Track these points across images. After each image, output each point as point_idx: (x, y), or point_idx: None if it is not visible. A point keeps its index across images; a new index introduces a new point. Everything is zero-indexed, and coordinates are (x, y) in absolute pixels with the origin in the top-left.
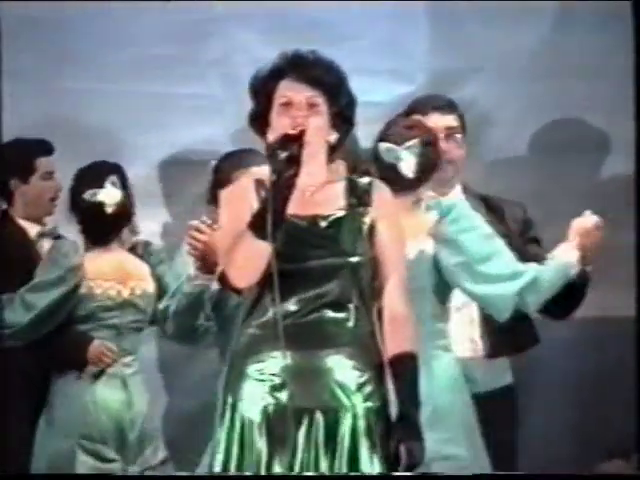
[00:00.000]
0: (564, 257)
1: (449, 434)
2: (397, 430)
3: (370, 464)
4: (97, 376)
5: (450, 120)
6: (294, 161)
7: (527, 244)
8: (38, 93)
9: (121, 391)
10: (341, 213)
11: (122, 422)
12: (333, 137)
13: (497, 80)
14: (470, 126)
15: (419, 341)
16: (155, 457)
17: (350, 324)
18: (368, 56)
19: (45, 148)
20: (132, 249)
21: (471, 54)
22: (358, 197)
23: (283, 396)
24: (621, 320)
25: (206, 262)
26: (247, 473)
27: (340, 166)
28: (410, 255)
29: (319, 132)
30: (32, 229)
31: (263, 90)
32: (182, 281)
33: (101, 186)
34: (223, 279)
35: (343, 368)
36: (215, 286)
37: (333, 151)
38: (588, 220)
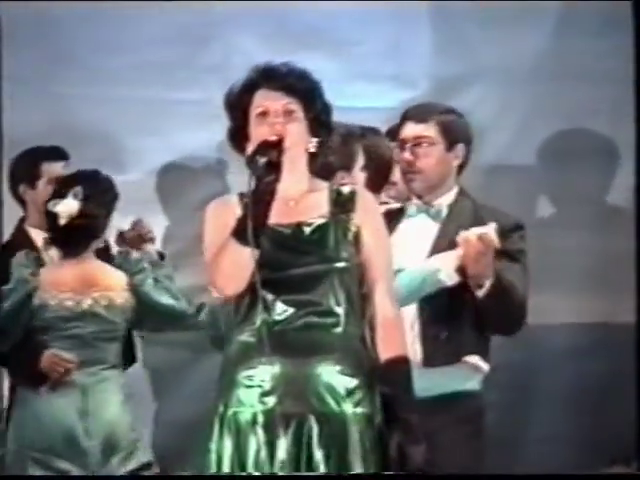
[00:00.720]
0: (434, 263)
1: None
2: (395, 434)
3: (362, 469)
4: (54, 386)
5: (420, 129)
6: (274, 167)
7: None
8: (36, 98)
9: (78, 401)
10: (325, 220)
11: (75, 432)
12: (312, 144)
13: (500, 85)
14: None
15: None
16: (125, 465)
17: (338, 330)
18: (370, 61)
19: (52, 154)
20: (111, 259)
21: (474, 59)
22: (341, 204)
23: (271, 403)
24: (621, 326)
25: None
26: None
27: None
28: None
29: (298, 138)
30: (40, 237)
31: (239, 104)
32: None
33: (63, 196)
34: None
35: (332, 374)
36: None
37: (314, 158)
38: (473, 231)
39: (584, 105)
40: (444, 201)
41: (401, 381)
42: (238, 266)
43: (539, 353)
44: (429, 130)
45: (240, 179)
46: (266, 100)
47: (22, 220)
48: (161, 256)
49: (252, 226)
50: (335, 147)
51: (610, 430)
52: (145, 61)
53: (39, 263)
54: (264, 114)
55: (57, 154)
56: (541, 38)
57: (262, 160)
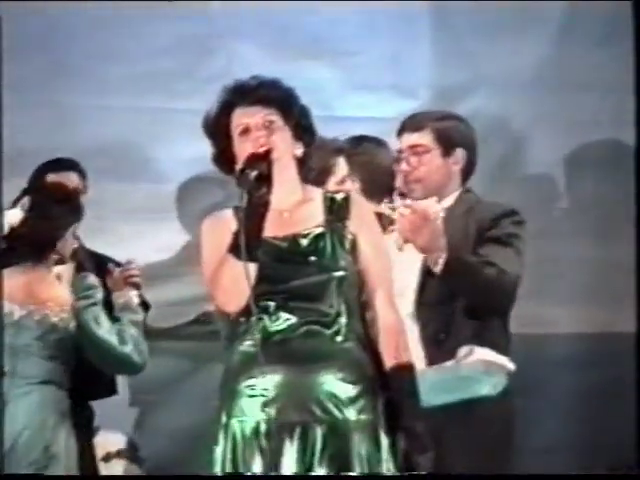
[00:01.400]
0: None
1: None
2: (402, 443)
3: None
4: None
5: (415, 138)
6: (264, 179)
7: (484, 243)
8: (39, 107)
9: None
10: (320, 229)
11: None
12: (299, 150)
13: (500, 94)
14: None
15: None
16: None
17: (339, 338)
18: (370, 71)
19: (57, 165)
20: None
21: (474, 68)
22: (335, 212)
23: (273, 412)
24: (621, 336)
25: None
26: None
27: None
28: None
29: (284, 147)
30: None
31: (218, 127)
32: None
33: (15, 206)
34: None
35: (334, 382)
36: None
37: (303, 165)
38: (407, 203)
39: (585, 114)
40: (444, 204)
41: (406, 388)
42: (237, 282)
43: (540, 362)
44: (424, 138)
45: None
46: (245, 117)
47: None
48: (144, 304)
49: (246, 240)
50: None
51: (610, 439)
52: (148, 71)
53: None
54: (246, 131)
55: (62, 165)
56: (542, 47)
57: (252, 174)
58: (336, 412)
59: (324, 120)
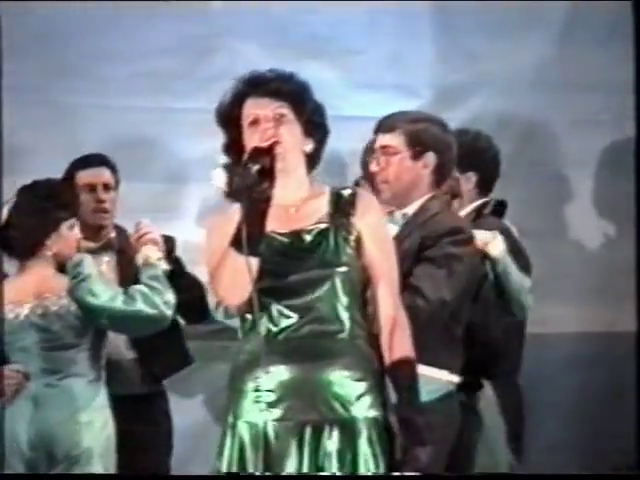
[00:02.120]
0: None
1: None
2: (401, 437)
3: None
4: (9, 400)
5: (387, 139)
6: (267, 173)
7: (419, 262)
8: (40, 107)
9: (28, 411)
10: (324, 225)
11: (20, 443)
12: (309, 146)
13: (503, 94)
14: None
15: None
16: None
17: (344, 335)
18: (373, 71)
19: (86, 162)
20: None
21: (476, 68)
22: (342, 208)
23: (280, 411)
24: (623, 335)
25: None
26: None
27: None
28: None
29: (292, 141)
30: (86, 245)
31: (230, 117)
32: None
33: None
34: None
35: (341, 379)
36: None
37: (312, 161)
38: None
39: (588, 113)
40: (411, 209)
41: (406, 382)
42: (238, 275)
43: (541, 362)
44: (394, 139)
45: None
46: (255, 108)
47: None
48: (169, 253)
49: (247, 234)
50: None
51: (612, 439)
52: (149, 70)
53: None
54: (255, 122)
55: (92, 161)
56: (544, 47)
57: (255, 168)
58: (343, 410)
59: None
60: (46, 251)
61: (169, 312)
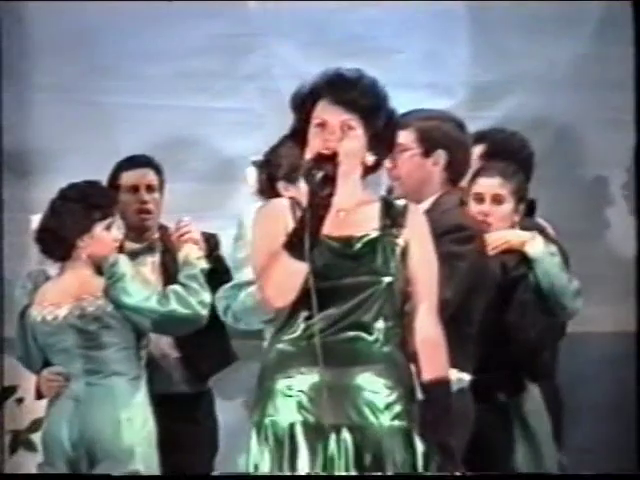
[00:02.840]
0: None
1: None
2: (435, 458)
3: None
4: (51, 401)
5: (401, 136)
6: (329, 181)
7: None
8: (78, 107)
9: (70, 411)
10: (375, 234)
11: (63, 442)
12: (370, 159)
13: (538, 92)
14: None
15: None
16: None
17: (379, 343)
18: (408, 70)
19: (131, 163)
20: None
21: (511, 67)
22: (393, 218)
23: (311, 413)
24: (621, 335)
25: None
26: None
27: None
28: None
29: (351, 155)
30: (130, 246)
31: (301, 109)
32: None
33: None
34: None
35: (372, 386)
36: None
37: (371, 171)
38: None
39: (621, 113)
40: (423, 206)
41: (441, 402)
42: (289, 280)
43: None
44: (406, 137)
45: None
46: (325, 113)
47: None
48: (210, 252)
49: (309, 241)
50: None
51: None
52: (186, 70)
53: (40, 279)
54: (322, 126)
55: (136, 162)
56: (579, 45)
57: (319, 175)
58: (372, 417)
59: None
60: (81, 253)
61: (204, 312)
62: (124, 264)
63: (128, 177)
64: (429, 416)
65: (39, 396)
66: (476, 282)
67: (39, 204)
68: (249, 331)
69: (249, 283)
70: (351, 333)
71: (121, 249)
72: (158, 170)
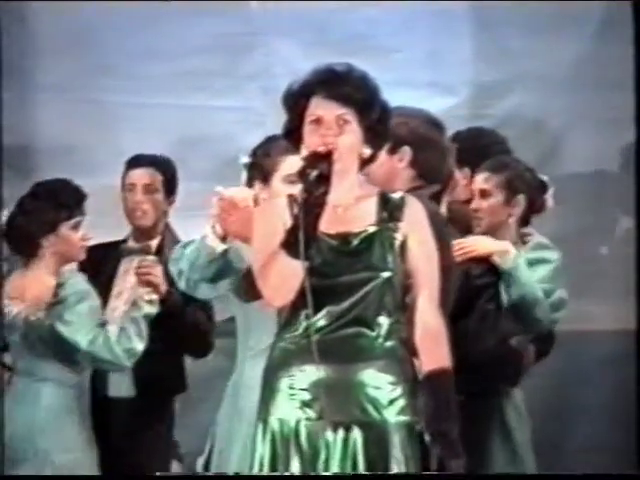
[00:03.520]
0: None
1: None
2: (435, 448)
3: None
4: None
5: None
6: (324, 179)
7: None
8: (79, 106)
9: (7, 410)
10: (372, 229)
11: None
12: (366, 152)
13: (539, 91)
14: (512, 137)
15: None
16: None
17: (381, 338)
18: (410, 68)
19: (135, 161)
20: None
21: (513, 66)
22: (390, 212)
23: (313, 410)
24: (621, 333)
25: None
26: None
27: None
28: None
29: (350, 150)
30: (131, 245)
31: (294, 106)
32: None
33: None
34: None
35: (375, 382)
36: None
37: (366, 164)
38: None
39: (624, 112)
40: None
41: (442, 393)
42: (287, 278)
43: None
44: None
45: None
46: (320, 109)
47: None
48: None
49: (304, 240)
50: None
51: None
52: (187, 69)
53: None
54: (317, 122)
55: (137, 161)
56: (581, 45)
57: (313, 173)
58: (375, 413)
59: None
60: (45, 252)
61: (127, 362)
62: (72, 285)
63: (129, 176)
64: (430, 407)
65: None
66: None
67: None
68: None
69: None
70: (353, 329)
71: (112, 246)
72: (164, 170)
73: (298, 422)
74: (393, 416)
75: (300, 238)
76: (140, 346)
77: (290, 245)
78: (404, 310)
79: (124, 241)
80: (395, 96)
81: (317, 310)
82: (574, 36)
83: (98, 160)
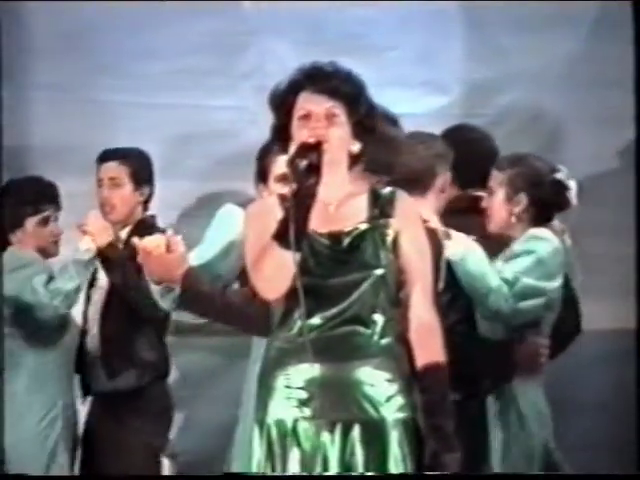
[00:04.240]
0: None
1: None
2: (431, 442)
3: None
4: None
5: None
6: (314, 169)
7: None
8: (74, 105)
9: None
10: (364, 226)
11: None
12: (355, 147)
13: (532, 91)
14: (505, 136)
15: None
16: None
17: (377, 336)
18: (402, 67)
19: (102, 156)
20: None
21: (506, 65)
22: (381, 208)
23: (310, 409)
24: (621, 332)
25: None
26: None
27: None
28: None
29: (340, 142)
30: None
31: (282, 104)
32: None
33: None
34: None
35: (371, 379)
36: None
37: (356, 161)
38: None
39: (616, 110)
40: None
41: (437, 387)
42: (280, 270)
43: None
44: None
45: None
46: (309, 103)
47: None
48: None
49: (294, 230)
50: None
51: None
52: (181, 68)
53: None
54: (306, 117)
55: (103, 156)
56: (574, 43)
57: (303, 163)
58: (373, 411)
59: None
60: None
61: (52, 302)
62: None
63: (98, 171)
64: (425, 402)
65: None
66: None
67: None
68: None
69: None
70: (348, 328)
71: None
72: (131, 162)
73: (295, 421)
74: (390, 413)
75: (291, 228)
76: (68, 285)
77: (282, 237)
78: (398, 306)
79: None
80: (388, 95)
81: (312, 309)
82: (569, 35)
83: (94, 159)
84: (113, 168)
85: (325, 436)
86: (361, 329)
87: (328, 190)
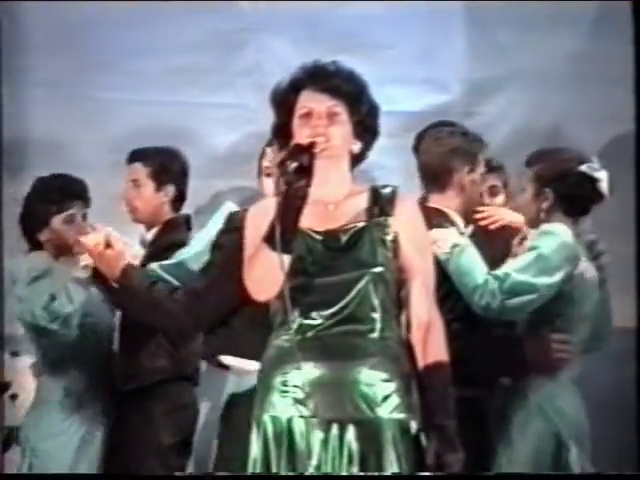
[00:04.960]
0: None
1: None
2: (433, 442)
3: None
4: None
5: None
6: (304, 171)
7: None
8: (71, 102)
9: None
10: (361, 224)
11: None
12: (357, 146)
13: (533, 88)
14: (506, 134)
15: None
16: None
17: (375, 335)
18: (402, 65)
19: (128, 158)
20: None
21: (506, 62)
22: (381, 207)
23: (307, 408)
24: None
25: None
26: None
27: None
28: None
29: (341, 140)
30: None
31: (284, 102)
32: None
33: None
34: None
35: (368, 379)
36: None
37: (357, 160)
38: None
39: (618, 108)
40: None
41: (439, 387)
42: (270, 272)
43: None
44: None
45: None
46: (310, 101)
47: None
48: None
49: (280, 231)
50: None
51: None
52: (179, 65)
53: None
54: (308, 115)
55: (129, 157)
56: (575, 41)
57: (293, 165)
58: (369, 410)
59: None
60: (46, 246)
61: (51, 325)
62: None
63: (129, 171)
64: (427, 401)
65: None
66: None
67: None
68: None
69: None
70: (347, 327)
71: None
72: (150, 162)
73: (291, 419)
74: (386, 413)
75: (276, 230)
76: (66, 308)
77: (271, 239)
78: (399, 305)
79: None
80: (388, 93)
81: (309, 308)
82: (569, 33)
83: (90, 156)
84: (135, 169)
85: (321, 435)
86: (360, 328)
87: (328, 190)
